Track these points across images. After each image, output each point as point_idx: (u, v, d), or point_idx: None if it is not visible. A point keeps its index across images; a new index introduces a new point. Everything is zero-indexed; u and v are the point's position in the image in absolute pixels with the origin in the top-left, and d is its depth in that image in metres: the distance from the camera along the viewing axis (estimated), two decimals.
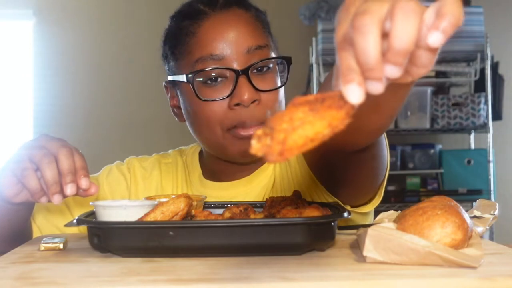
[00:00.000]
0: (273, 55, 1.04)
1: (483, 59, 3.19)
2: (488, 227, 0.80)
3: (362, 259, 0.69)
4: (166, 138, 3.50)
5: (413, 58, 0.49)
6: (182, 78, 1.02)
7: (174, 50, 1.06)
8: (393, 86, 0.51)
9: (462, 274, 0.61)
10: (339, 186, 1.00)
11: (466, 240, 0.69)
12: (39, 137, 0.87)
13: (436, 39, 0.46)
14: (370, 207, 1.04)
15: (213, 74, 0.99)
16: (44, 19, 3.71)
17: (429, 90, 3.25)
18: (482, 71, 3.22)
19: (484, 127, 3.21)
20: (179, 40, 1.04)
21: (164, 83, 1.11)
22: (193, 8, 1.04)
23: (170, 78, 1.08)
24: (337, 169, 0.96)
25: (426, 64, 0.49)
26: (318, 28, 3.23)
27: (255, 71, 1.00)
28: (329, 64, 3.25)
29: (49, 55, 3.69)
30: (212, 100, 0.99)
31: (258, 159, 1.06)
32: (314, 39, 3.24)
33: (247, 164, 1.09)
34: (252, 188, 1.09)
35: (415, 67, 0.50)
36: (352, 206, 1.03)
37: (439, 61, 3.29)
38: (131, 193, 1.14)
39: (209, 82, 1.00)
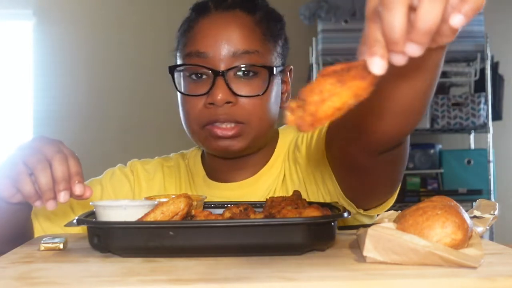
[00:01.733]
0: (269, 62, 1.03)
1: (483, 59, 3.19)
2: (488, 227, 0.80)
3: (362, 259, 0.69)
4: (167, 138, 3.49)
5: (437, 30, 0.53)
6: (169, 68, 1.06)
7: (179, 41, 1.09)
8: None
9: (462, 274, 0.61)
10: (359, 191, 0.99)
11: (466, 240, 0.69)
12: (35, 139, 0.86)
13: (458, 21, 0.51)
14: (381, 210, 1.04)
15: (196, 70, 1.02)
16: (44, 19, 3.71)
17: None
18: (482, 71, 3.22)
19: (484, 127, 3.21)
20: (181, 32, 1.08)
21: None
22: (203, 3, 1.07)
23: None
24: (361, 172, 0.94)
25: (449, 34, 0.55)
26: (318, 28, 3.23)
27: (240, 73, 1.01)
28: (329, 64, 3.25)
29: (49, 55, 3.69)
30: (190, 95, 1.03)
31: (241, 154, 1.06)
32: (314, 39, 3.24)
33: (236, 158, 1.08)
34: (258, 187, 1.09)
35: (439, 36, 0.54)
36: (364, 209, 1.03)
37: None
38: (135, 195, 1.14)
39: (193, 77, 1.02)
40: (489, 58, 3.19)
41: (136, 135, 3.68)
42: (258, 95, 1.02)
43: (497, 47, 3.39)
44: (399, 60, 0.52)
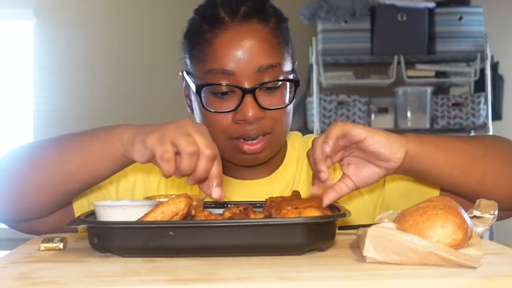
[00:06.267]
0: (284, 70, 1.04)
1: (483, 59, 3.19)
2: (488, 227, 0.80)
3: (362, 259, 0.69)
4: None
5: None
6: (193, 86, 1.05)
7: (191, 51, 1.07)
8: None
9: (462, 274, 0.61)
10: None
11: (466, 240, 0.69)
12: (185, 121, 0.85)
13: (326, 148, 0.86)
14: None
15: (223, 88, 1.01)
16: (44, 19, 3.71)
17: (429, 90, 3.25)
18: (482, 71, 3.22)
19: (484, 127, 3.21)
20: (196, 43, 1.05)
21: (181, 72, 1.12)
22: (214, 13, 1.04)
23: (185, 75, 1.09)
24: None
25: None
26: (318, 28, 3.23)
27: (264, 89, 1.02)
28: (329, 64, 3.25)
29: (49, 55, 3.69)
30: (217, 112, 1.02)
31: (269, 163, 1.10)
32: (314, 39, 3.23)
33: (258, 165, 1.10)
34: (274, 187, 1.11)
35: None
36: None
37: (439, 61, 3.29)
38: (160, 187, 1.12)
39: (219, 94, 1.02)
40: (489, 58, 3.18)
41: None
42: (285, 106, 1.04)
43: (497, 47, 3.39)
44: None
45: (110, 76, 3.72)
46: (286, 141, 1.15)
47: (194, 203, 0.85)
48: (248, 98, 1.00)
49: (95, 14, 3.75)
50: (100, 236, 0.75)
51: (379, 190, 1.10)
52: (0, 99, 3.78)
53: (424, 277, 0.61)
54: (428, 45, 3.20)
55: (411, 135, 0.90)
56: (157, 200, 0.88)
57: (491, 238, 3.14)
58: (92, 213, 0.85)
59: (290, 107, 1.07)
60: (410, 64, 3.27)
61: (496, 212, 0.81)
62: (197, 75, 1.05)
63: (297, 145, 1.16)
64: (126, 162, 0.90)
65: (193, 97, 1.08)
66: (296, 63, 1.11)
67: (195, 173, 0.82)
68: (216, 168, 0.83)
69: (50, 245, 0.81)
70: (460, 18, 3.20)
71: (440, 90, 3.42)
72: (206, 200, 0.96)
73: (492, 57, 3.25)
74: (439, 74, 3.32)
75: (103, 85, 3.72)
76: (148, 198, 0.95)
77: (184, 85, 1.13)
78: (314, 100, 3.19)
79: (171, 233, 0.72)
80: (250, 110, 0.99)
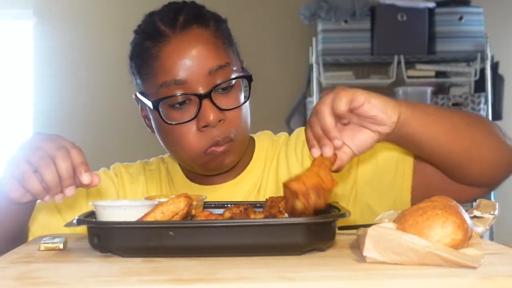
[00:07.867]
0: (234, 69, 1.05)
1: (483, 59, 3.19)
2: (488, 227, 0.80)
3: (362, 259, 0.69)
4: None
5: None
6: (149, 103, 1.05)
7: (140, 70, 1.07)
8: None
9: (462, 274, 0.61)
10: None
11: (466, 240, 0.69)
12: (34, 136, 0.86)
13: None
14: None
15: (179, 99, 1.01)
16: (44, 19, 3.71)
17: (429, 90, 3.25)
18: (482, 71, 3.22)
19: None
20: (143, 61, 1.06)
21: (134, 95, 1.12)
22: (154, 28, 1.05)
23: (139, 95, 1.09)
24: None
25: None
26: (318, 28, 3.23)
27: (219, 90, 1.02)
28: (329, 64, 3.25)
29: (49, 55, 3.69)
30: (179, 124, 1.02)
31: (235, 166, 1.10)
32: (314, 39, 3.23)
33: (225, 172, 1.10)
34: (238, 190, 1.11)
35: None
36: None
37: (439, 61, 3.29)
38: (120, 197, 1.15)
39: (177, 105, 1.02)
40: (489, 58, 3.19)
41: (136, 135, 3.67)
42: (243, 103, 1.04)
43: (497, 47, 3.39)
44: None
45: (110, 76, 3.72)
46: (254, 141, 1.15)
47: (194, 203, 0.85)
48: (206, 103, 1.00)
49: (95, 14, 3.75)
50: (100, 236, 0.75)
51: (352, 181, 1.08)
52: (0, 99, 3.78)
53: (424, 277, 0.61)
54: (428, 45, 3.20)
55: (402, 100, 0.90)
56: (157, 200, 0.88)
57: (491, 238, 3.14)
58: (92, 213, 0.85)
59: (247, 106, 1.07)
60: (410, 64, 3.28)
61: (496, 212, 0.81)
62: (151, 92, 1.05)
63: (265, 144, 1.15)
64: (19, 206, 0.90)
65: (152, 116, 1.08)
66: (244, 61, 1.11)
67: (62, 177, 0.82)
68: (76, 157, 0.83)
69: (50, 245, 0.81)
70: (460, 18, 3.20)
71: (440, 90, 3.42)
72: (206, 200, 0.96)
73: (492, 57, 3.25)
74: (439, 74, 3.32)
75: (103, 85, 3.71)
76: (148, 198, 0.95)
77: (139, 106, 1.14)
78: (314, 100, 3.18)
79: (171, 233, 0.72)
80: (210, 114, 0.99)
